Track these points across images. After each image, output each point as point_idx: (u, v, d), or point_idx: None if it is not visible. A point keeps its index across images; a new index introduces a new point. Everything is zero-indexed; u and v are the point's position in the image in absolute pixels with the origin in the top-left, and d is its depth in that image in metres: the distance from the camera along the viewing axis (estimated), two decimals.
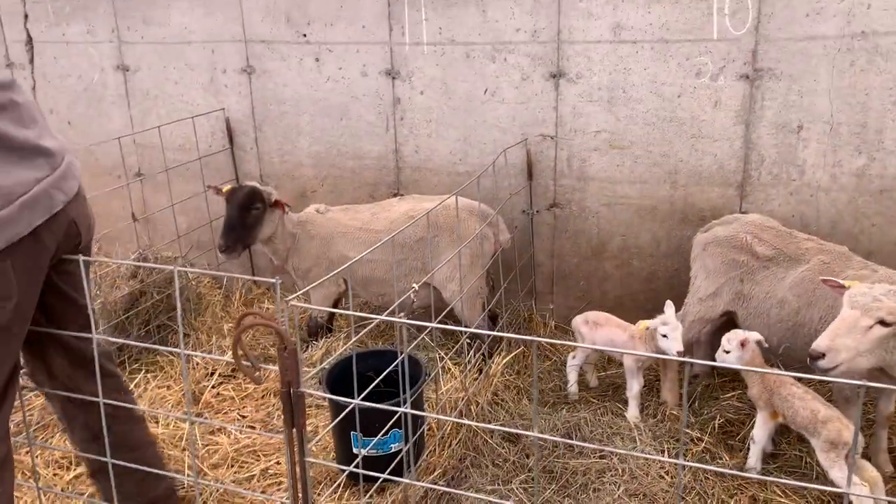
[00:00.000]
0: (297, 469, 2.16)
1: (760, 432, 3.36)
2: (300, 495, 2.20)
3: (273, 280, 2.04)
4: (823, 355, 2.81)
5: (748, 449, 3.42)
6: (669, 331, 3.52)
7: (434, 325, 2.08)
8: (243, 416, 3.99)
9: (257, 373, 2.13)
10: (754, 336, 3.38)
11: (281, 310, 2.10)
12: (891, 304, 2.80)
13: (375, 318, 2.18)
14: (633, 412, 3.79)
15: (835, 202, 3.98)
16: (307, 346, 4.37)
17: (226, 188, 4.21)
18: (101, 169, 5.60)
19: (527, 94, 4.40)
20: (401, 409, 2.68)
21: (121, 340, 3.95)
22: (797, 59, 3.84)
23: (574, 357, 4.07)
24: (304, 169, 5.13)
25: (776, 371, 3.48)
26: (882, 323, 2.81)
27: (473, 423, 3.31)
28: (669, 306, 3.66)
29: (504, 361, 4.03)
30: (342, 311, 2.97)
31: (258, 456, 3.60)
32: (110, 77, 5.47)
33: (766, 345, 3.45)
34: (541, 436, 2.48)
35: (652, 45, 4.07)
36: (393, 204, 4.37)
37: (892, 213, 3.89)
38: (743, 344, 3.34)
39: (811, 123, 3.90)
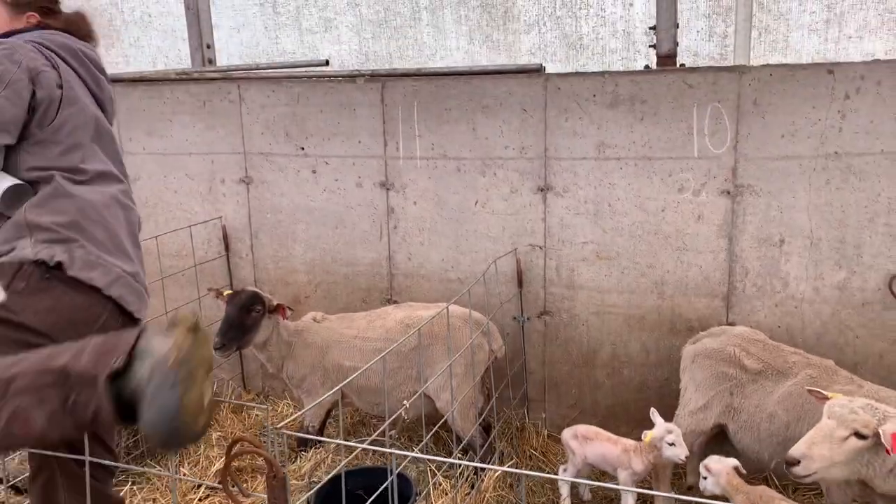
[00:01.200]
0: None
1: None
2: None
3: (264, 405, 2.07)
4: (799, 462, 2.85)
5: None
6: (675, 438, 3.56)
7: (420, 454, 2.10)
8: None
9: (246, 500, 2.13)
10: (728, 465, 3.39)
11: (271, 436, 2.12)
12: (867, 417, 2.84)
13: (360, 446, 2.19)
14: None
15: (819, 314, 4.06)
16: (296, 457, 4.32)
17: (226, 292, 4.28)
18: None
19: (516, 206, 4.54)
20: None
21: (110, 462, 3.91)
22: (775, 177, 4.00)
23: (566, 470, 4.04)
24: (299, 275, 5.21)
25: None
26: (857, 435, 2.84)
27: None
28: (655, 414, 3.68)
29: (496, 476, 3.99)
30: (327, 440, 2.96)
31: None
32: None
33: (744, 471, 3.44)
34: None
35: (635, 162, 4.24)
36: (388, 312, 4.43)
37: (874, 325, 3.96)
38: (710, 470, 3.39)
39: (792, 237, 4.03)
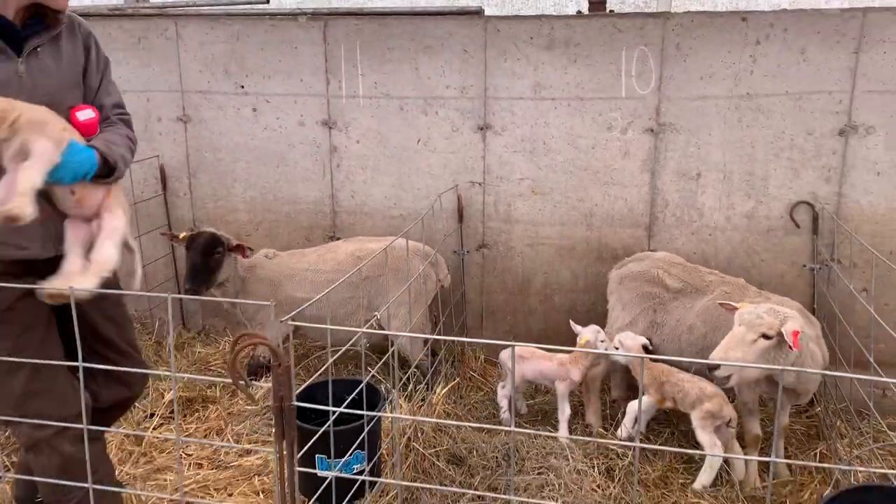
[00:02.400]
0: (288, 479, 2.34)
1: (645, 406, 3.94)
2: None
3: (267, 303, 2.25)
4: (719, 366, 3.29)
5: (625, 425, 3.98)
6: (604, 336, 4.03)
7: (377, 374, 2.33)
8: (188, 454, 4.04)
9: (251, 389, 2.32)
10: (638, 342, 3.96)
11: (275, 329, 2.30)
12: (771, 320, 3.29)
13: (342, 348, 2.41)
14: (564, 432, 4.13)
15: (730, 240, 4.53)
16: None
17: (182, 235, 4.33)
18: None
19: (457, 145, 4.77)
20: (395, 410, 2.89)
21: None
22: (694, 116, 4.40)
23: (503, 387, 4.38)
24: (239, 214, 5.28)
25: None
26: (764, 336, 3.30)
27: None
28: (574, 324, 4.20)
29: (443, 392, 4.29)
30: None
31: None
32: None
33: (651, 347, 4.07)
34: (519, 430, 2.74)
35: (569, 102, 4.55)
36: (339, 245, 4.60)
37: (777, 249, 4.47)
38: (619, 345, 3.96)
39: (708, 171, 4.46)
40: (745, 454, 3.85)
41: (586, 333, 4.10)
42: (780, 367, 2.89)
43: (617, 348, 3.96)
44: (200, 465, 3.91)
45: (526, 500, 3.50)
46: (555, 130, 4.61)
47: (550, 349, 4.19)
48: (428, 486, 2.83)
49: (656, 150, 4.51)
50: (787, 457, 3.99)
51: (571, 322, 4.21)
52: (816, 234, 4.37)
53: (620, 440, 3.92)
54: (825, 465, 3.85)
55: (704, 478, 3.71)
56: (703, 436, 3.73)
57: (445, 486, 3.68)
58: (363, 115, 4.86)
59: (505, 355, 4.37)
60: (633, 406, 4.03)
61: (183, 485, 3.59)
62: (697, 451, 3.71)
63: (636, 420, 3.94)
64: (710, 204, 4.50)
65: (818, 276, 4.40)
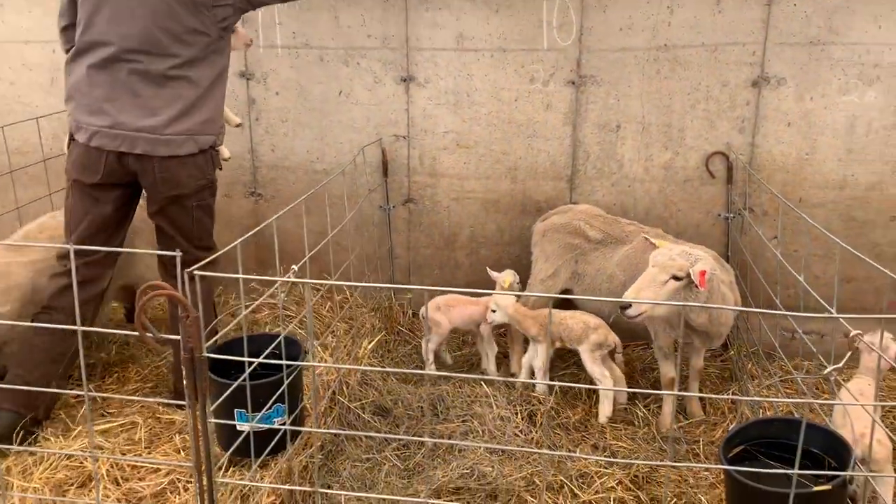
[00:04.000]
0: (202, 432, 2.31)
1: (542, 360, 4.10)
2: (203, 458, 2.35)
3: (175, 253, 2.19)
4: (630, 305, 3.39)
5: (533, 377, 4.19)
6: (498, 298, 4.17)
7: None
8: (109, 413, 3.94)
9: (158, 341, 2.26)
10: (512, 299, 4.15)
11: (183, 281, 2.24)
12: (682, 262, 3.41)
13: (280, 279, 2.37)
14: (493, 367, 4.35)
15: (648, 191, 4.63)
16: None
17: None
18: None
19: (380, 97, 4.71)
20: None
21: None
22: (614, 68, 4.44)
23: (430, 341, 4.43)
24: None
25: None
26: (675, 278, 3.41)
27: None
28: (491, 270, 4.46)
29: (370, 346, 4.29)
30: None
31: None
32: None
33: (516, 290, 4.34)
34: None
35: (492, 54, 4.52)
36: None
37: (693, 199, 4.59)
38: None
39: (627, 123, 4.52)
40: (663, 399, 4.00)
41: (506, 276, 4.35)
42: (684, 304, 3.00)
43: (494, 310, 4.13)
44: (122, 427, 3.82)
45: (450, 441, 3.56)
46: (478, 82, 4.59)
47: (471, 293, 4.30)
48: (351, 432, 2.84)
49: (577, 102, 4.54)
50: (700, 399, 4.16)
51: (488, 269, 4.44)
52: (731, 184, 4.50)
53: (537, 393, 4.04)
54: (734, 396, 4.04)
55: (604, 409, 3.92)
56: (594, 368, 3.94)
57: (371, 437, 3.70)
58: (282, 65, 4.74)
59: (431, 308, 4.39)
60: (526, 359, 4.23)
61: (96, 446, 3.51)
62: (612, 388, 3.86)
63: (535, 370, 4.17)
64: (629, 156, 4.58)
65: (732, 224, 4.55)
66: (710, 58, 4.34)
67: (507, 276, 4.39)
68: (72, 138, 3.69)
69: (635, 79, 4.44)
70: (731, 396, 4.11)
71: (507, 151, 4.69)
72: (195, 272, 2.19)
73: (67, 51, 3.67)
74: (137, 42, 3.50)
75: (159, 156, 3.59)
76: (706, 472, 3.51)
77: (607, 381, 3.92)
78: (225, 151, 4.32)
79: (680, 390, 4.09)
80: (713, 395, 3.92)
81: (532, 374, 4.22)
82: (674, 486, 3.42)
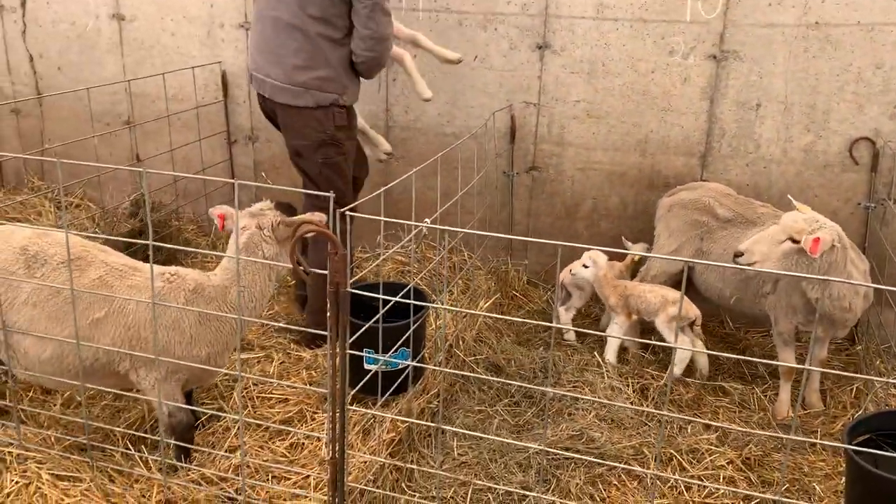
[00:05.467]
0: (340, 362, 2.48)
1: (619, 330, 4.14)
2: (338, 386, 2.53)
3: (329, 193, 2.35)
4: (742, 254, 3.43)
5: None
6: (596, 255, 4.23)
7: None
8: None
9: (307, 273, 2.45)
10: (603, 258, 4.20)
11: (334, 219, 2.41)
12: (803, 226, 3.33)
13: (394, 247, 2.50)
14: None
15: (784, 174, 4.48)
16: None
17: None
18: (91, 115, 5.71)
19: (514, 63, 4.76)
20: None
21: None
22: (759, 44, 4.30)
23: (568, 309, 4.52)
24: None
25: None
26: (792, 240, 3.34)
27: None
28: (626, 240, 4.58)
29: (486, 306, 4.40)
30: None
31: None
32: (105, 25, 5.59)
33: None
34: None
35: (631, 24, 4.47)
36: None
37: (832, 185, 4.41)
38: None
39: (768, 102, 4.38)
40: (781, 387, 3.90)
41: (640, 247, 4.49)
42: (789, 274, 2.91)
43: (586, 266, 4.21)
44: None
45: (566, 392, 3.64)
46: (615, 52, 4.56)
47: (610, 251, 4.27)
48: (474, 374, 2.96)
49: (717, 77, 4.43)
50: (822, 391, 4.03)
51: (623, 238, 4.54)
52: (875, 172, 4.29)
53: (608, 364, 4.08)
54: (853, 374, 3.91)
55: (676, 370, 3.99)
56: (670, 336, 3.96)
57: (483, 390, 3.84)
58: (421, 28, 4.84)
59: (569, 277, 4.40)
60: (616, 333, 4.21)
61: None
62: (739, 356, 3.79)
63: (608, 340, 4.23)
64: (767, 135, 4.44)
65: (872, 215, 4.34)
66: (864, 38, 4.12)
67: (641, 248, 4.50)
68: None
69: (780, 56, 4.28)
70: (846, 373, 3.95)
71: (638, 124, 4.65)
72: (347, 212, 2.35)
73: None
74: None
75: (280, 103, 3.86)
76: (822, 462, 3.43)
77: (684, 344, 3.99)
78: (385, 144, 4.60)
79: (800, 380, 3.98)
80: (836, 372, 3.77)
81: (641, 347, 4.23)
82: (787, 472, 3.36)
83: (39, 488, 3.03)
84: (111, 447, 3.23)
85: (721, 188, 4.34)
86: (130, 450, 3.17)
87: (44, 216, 5.31)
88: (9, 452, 3.18)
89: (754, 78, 4.36)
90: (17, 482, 3.06)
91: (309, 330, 4.02)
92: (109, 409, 3.60)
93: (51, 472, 3.09)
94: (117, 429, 3.22)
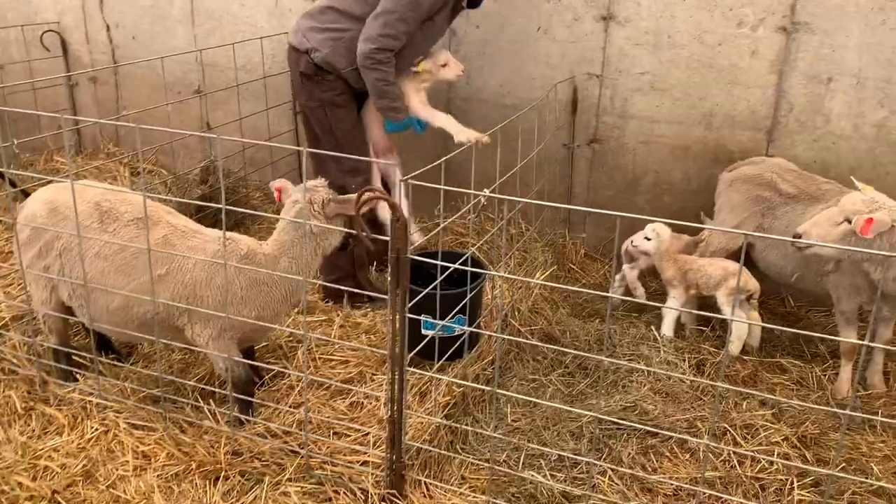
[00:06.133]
0: (399, 325, 2.58)
1: (676, 304, 4.11)
2: (398, 349, 2.63)
3: (392, 162, 2.43)
4: (800, 236, 3.38)
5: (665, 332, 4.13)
6: (660, 228, 4.19)
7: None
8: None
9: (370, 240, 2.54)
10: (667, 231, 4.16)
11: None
12: (860, 207, 3.25)
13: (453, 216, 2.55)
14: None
15: (854, 150, 4.36)
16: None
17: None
18: (162, 83, 5.92)
19: (577, 34, 4.73)
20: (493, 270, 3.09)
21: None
22: (832, 15, 4.17)
23: (633, 268, 4.51)
24: None
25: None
26: (848, 221, 3.27)
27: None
28: (705, 217, 4.50)
29: (542, 277, 4.44)
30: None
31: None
32: None
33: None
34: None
35: None
36: None
37: None
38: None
39: (840, 76, 4.25)
40: (841, 366, 3.85)
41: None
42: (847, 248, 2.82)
43: (648, 238, 4.17)
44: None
45: (621, 362, 3.67)
46: (681, 24, 4.48)
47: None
48: (530, 341, 3.01)
49: (787, 50, 4.32)
50: (885, 373, 3.95)
51: (702, 214, 4.51)
52: None
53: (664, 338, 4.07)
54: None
55: (734, 347, 3.95)
56: (730, 310, 3.87)
57: (537, 360, 3.90)
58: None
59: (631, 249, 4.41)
60: (674, 307, 4.15)
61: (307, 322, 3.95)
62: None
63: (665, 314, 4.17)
64: (837, 110, 4.32)
65: None
66: None
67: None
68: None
69: (855, 29, 4.15)
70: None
71: (704, 97, 4.57)
72: (409, 179, 2.42)
73: None
74: None
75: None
76: (882, 444, 3.38)
77: (742, 324, 3.94)
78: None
79: (862, 361, 3.91)
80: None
81: (699, 323, 4.21)
82: (844, 452, 3.33)
83: (117, 435, 3.25)
84: (182, 399, 3.42)
85: (784, 164, 4.26)
86: (200, 403, 3.34)
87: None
88: (89, 402, 3.40)
89: (826, 51, 4.24)
90: (96, 429, 3.29)
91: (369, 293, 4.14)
92: (180, 364, 3.80)
93: (127, 421, 3.30)
94: (188, 382, 3.39)
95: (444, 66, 4.27)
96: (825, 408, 2.35)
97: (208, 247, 3.18)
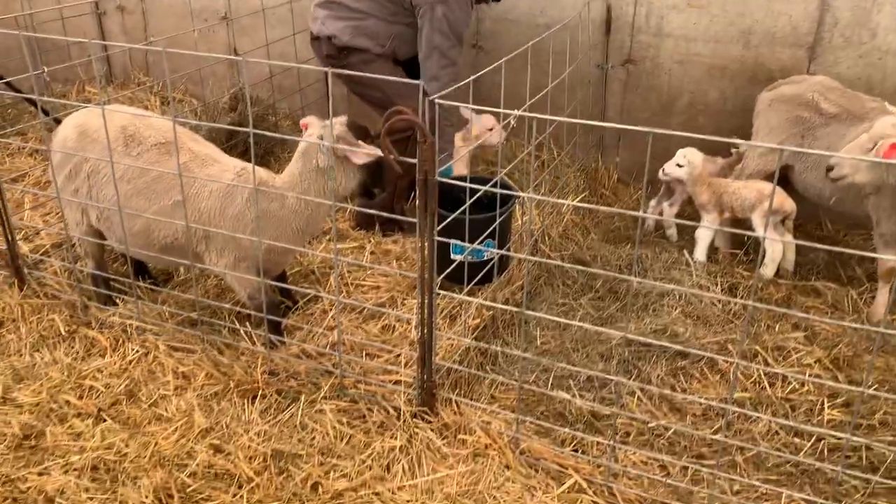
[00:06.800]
0: (428, 247, 2.58)
1: (707, 232, 4.08)
2: (427, 273, 2.64)
3: (418, 82, 2.39)
4: (833, 168, 3.35)
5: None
6: (691, 154, 4.13)
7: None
8: None
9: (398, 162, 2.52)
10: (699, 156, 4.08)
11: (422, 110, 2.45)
12: (887, 132, 3.18)
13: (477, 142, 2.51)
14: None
15: None
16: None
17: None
18: (188, 11, 5.85)
19: None
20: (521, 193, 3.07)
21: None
22: None
23: (672, 205, 4.47)
24: None
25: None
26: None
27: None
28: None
29: (574, 202, 4.40)
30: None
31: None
32: None
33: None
34: None
35: None
36: None
37: None
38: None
39: None
40: (879, 288, 3.78)
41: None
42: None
43: (680, 165, 4.10)
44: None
45: (653, 282, 3.65)
46: None
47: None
48: (558, 262, 3.00)
49: None
50: None
51: (735, 137, 4.25)
52: None
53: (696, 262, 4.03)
54: None
55: (768, 270, 3.94)
56: (761, 230, 3.80)
57: (567, 284, 3.90)
58: None
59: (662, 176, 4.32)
60: (706, 234, 4.11)
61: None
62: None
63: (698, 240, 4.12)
64: (885, 24, 4.12)
65: None
66: None
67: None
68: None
69: None
70: None
71: (742, 13, 4.39)
72: (437, 99, 2.38)
73: None
74: None
75: None
76: None
77: (777, 246, 3.92)
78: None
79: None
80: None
81: (733, 247, 4.16)
82: (878, 373, 3.31)
83: (157, 357, 3.35)
84: (219, 322, 3.50)
85: (827, 81, 4.09)
86: (236, 325, 3.43)
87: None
88: (129, 325, 3.51)
89: None
90: (137, 351, 3.40)
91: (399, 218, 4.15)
92: (216, 289, 3.88)
93: (166, 343, 3.40)
94: (224, 305, 3.47)
95: (490, 129, 4.38)
96: (857, 325, 2.31)
97: (224, 176, 3.19)
